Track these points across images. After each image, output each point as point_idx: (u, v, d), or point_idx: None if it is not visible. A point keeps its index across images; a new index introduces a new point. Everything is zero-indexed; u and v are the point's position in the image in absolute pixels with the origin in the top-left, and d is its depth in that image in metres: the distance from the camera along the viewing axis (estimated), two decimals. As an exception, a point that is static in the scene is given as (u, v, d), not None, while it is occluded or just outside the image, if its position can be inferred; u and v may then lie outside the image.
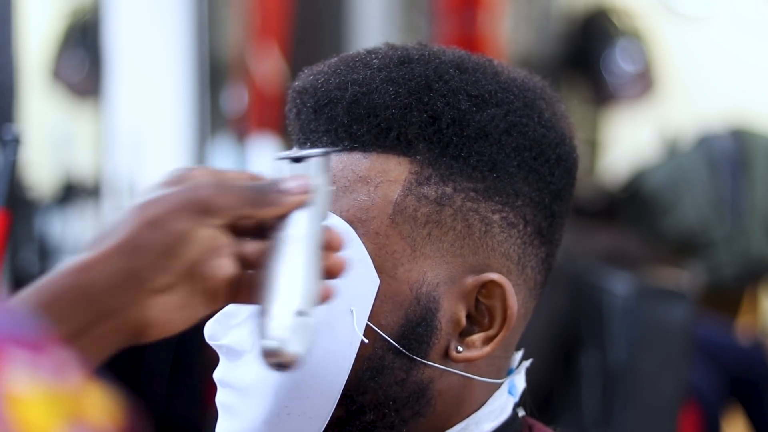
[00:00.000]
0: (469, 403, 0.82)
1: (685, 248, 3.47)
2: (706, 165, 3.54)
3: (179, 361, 3.11)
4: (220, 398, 0.82)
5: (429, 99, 0.79)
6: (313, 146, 0.81)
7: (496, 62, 0.85)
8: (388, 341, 0.78)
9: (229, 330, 0.81)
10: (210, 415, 3.40)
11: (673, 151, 3.66)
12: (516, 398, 0.85)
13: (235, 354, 0.81)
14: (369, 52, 0.84)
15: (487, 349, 0.80)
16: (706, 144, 3.60)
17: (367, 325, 0.78)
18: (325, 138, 0.81)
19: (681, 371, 2.36)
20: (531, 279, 0.82)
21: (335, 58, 0.85)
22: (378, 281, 0.78)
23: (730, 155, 3.55)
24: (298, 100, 0.83)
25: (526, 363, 0.86)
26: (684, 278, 2.64)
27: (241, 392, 0.80)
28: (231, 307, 0.81)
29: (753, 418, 3.00)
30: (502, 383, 0.84)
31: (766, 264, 3.52)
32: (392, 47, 0.85)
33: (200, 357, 3.19)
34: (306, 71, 0.85)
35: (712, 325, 3.08)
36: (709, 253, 3.47)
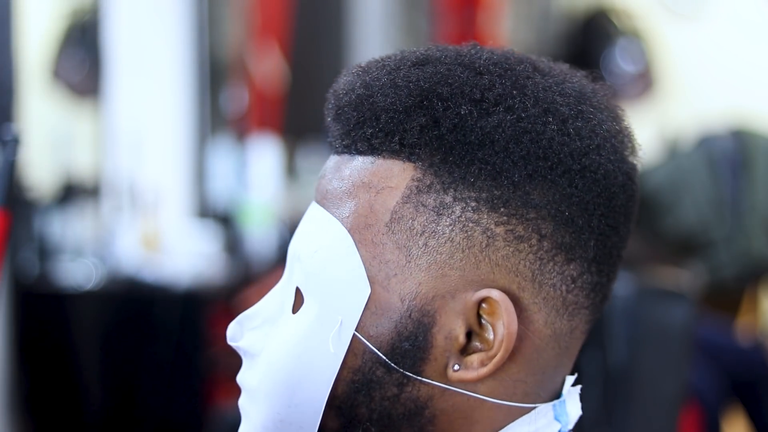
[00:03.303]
0: (482, 425, 0.77)
1: (685, 248, 3.47)
2: (706, 165, 3.54)
3: (179, 361, 3.11)
4: (240, 399, 0.82)
5: (429, 103, 0.75)
6: (334, 149, 0.80)
7: (532, 64, 0.80)
8: (377, 354, 0.75)
9: (246, 332, 0.81)
10: (210, 414, 3.39)
11: (673, 151, 3.67)
12: (565, 426, 0.79)
13: (249, 356, 0.80)
14: (393, 54, 0.81)
15: (484, 370, 0.75)
16: (706, 144, 3.60)
17: (355, 335, 0.75)
18: (341, 141, 0.79)
19: (681, 371, 2.36)
20: (556, 298, 0.76)
21: (367, 61, 0.82)
22: (368, 291, 0.75)
23: (730, 155, 3.55)
24: (327, 104, 0.82)
25: (576, 389, 0.80)
26: (684, 278, 2.64)
27: (249, 395, 0.80)
28: (251, 310, 0.81)
29: (753, 418, 3.00)
30: (533, 408, 0.77)
31: (766, 264, 3.52)
32: (418, 49, 0.81)
33: (200, 357, 3.19)
34: (342, 73, 0.83)
35: (712, 325, 3.08)
36: (709, 253, 3.47)
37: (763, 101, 4.39)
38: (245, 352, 0.81)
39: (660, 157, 3.70)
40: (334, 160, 0.80)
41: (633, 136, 0.81)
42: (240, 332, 0.81)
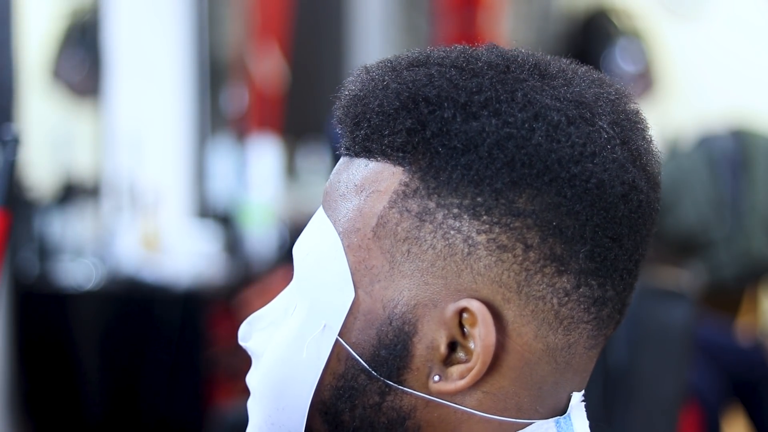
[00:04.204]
0: None
1: (685, 248, 3.47)
2: (706, 165, 3.54)
3: (179, 361, 3.11)
4: (249, 400, 0.82)
5: (415, 105, 0.73)
6: (341, 150, 0.79)
7: (536, 66, 0.77)
8: (359, 361, 0.74)
9: (254, 333, 0.80)
10: (210, 415, 3.38)
11: (673, 151, 3.67)
12: None
13: (256, 357, 0.80)
14: (399, 54, 0.79)
15: (462, 383, 0.72)
16: (706, 144, 3.60)
17: (338, 340, 0.74)
18: (343, 142, 0.78)
19: (681, 371, 2.36)
20: (547, 311, 0.73)
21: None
22: (353, 295, 0.74)
23: (730, 155, 3.55)
24: (334, 105, 0.80)
25: (582, 405, 0.79)
26: (684, 278, 2.64)
27: (252, 395, 0.80)
28: (262, 311, 0.81)
29: (753, 418, 3.00)
30: (529, 423, 0.75)
31: (766, 264, 3.52)
32: (422, 50, 0.79)
33: (200, 357, 3.19)
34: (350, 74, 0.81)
35: (712, 325, 3.08)
36: (709, 253, 3.48)
37: (763, 101, 4.39)
38: (252, 353, 0.80)
39: (660, 157, 3.70)
40: (339, 161, 0.79)
41: (648, 143, 0.77)
42: (249, 333, 0.81)
